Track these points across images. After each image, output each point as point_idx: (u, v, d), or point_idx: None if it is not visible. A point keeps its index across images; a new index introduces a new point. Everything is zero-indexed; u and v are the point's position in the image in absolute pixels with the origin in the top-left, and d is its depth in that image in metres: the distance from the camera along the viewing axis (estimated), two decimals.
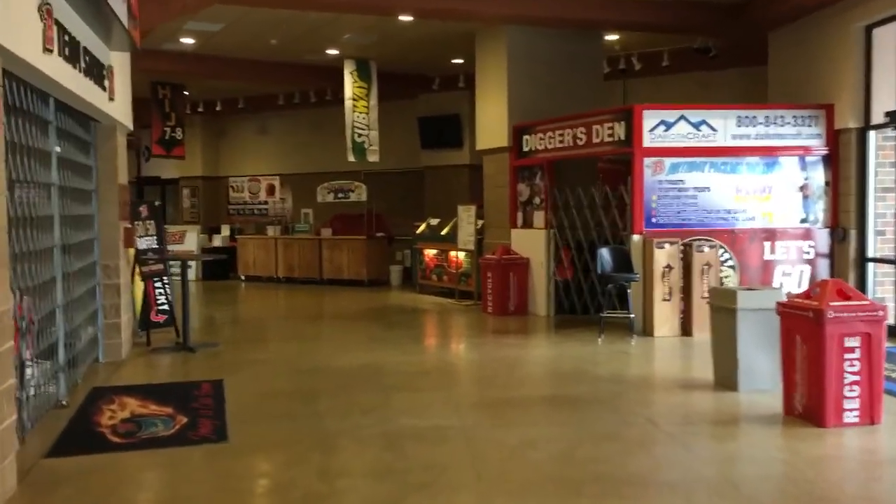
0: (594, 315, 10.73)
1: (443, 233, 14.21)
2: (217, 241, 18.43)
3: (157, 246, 9.71)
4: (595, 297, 10.83)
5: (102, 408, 6.35)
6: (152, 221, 9.72)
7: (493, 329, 10.56)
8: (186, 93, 17.96)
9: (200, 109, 19.22)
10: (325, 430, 5.67)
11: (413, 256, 15.30)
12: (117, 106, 7.89)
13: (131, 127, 8.95)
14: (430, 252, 14.50)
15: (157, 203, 10.42)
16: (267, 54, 14.29)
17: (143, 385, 7.17)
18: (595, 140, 10.44)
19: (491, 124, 12.44)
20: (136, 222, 9.42)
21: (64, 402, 6.45)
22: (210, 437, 5.48)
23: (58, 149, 6.50)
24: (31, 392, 6.18)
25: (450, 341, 9.83)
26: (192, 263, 17.81)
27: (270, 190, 17.65)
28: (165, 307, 10.09)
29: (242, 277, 17.56)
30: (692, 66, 13.85)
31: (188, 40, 13.12)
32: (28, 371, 6.15)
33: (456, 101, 16.19)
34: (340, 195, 16.22)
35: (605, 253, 9.77)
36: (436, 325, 11.38)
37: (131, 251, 8.99)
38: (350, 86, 14.60)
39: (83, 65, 6.39)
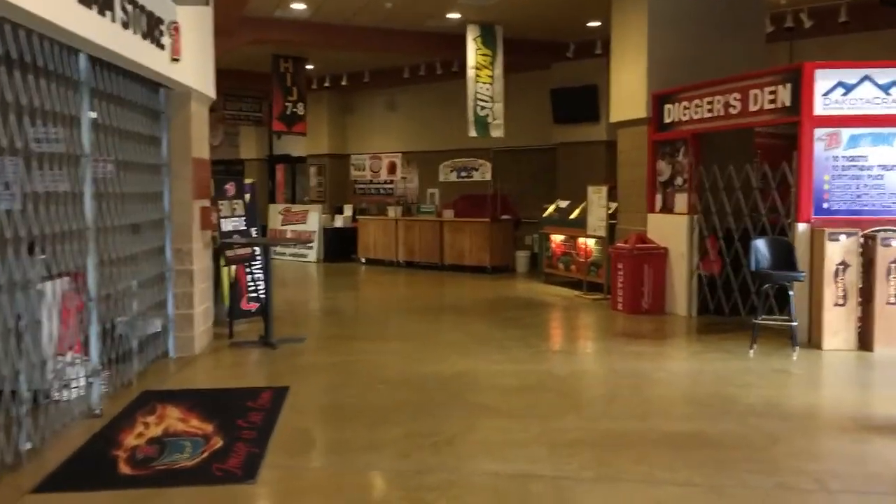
0: (745, 318, 8.97)
1: (572, 216, 12.69)
2: (339, 222, 17.68)
3: (244, 228, 8.80)
4: (747, 297, 9.05)
5: (138, 420, 5.41)
6: (240, 201, 8.82)
7: (620, 331, 9.02)
8: (310, 66, 17.26)
9: (327, 84, 18.50)
10: (376, 474, 4.44)
11: (540, 242, 13.87)
12: (186, 69, 6.94)
13: (212, 94, 8.03)
14: (557, 238, 13.02)
15: (248, 181, 9.52)
16: (384, 20, 13.20)
17: (197, 391, 6.22)
18: (752, 108, 8.64)
19: (627, 92, 10.79)
20: (220, 202, 8.54)
21: (97, 412, 5.55)
22: (235, 474, 4.38)
23: (92, 114, 5.56)
24: (53, 395, 5.32)
25: (566, 346, 8.38)
26: (313, 244, 17.18)
27: (392, 168, 16.65)
28: (258, 295, 9.22)
29: (362, 260, 16.72)
30: (877, 22, 11.61)
31: (299, 6, 12.20)
32: (50, 369, 5.29)
33: (592, 71, 14.54)
34: (463, 174, 14.97)
35: (761, 245, 8.00)
36: (554, 324, 9.95)
37: (210, 233, 8.10)
38: (473, 53, 13.30)
39: (122, 16, 5.41)
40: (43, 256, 5.41)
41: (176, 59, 6.62)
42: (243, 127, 21.60)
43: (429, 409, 5.68)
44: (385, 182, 17.32)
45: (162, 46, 6.27)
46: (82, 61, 5.36)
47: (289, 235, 17.94)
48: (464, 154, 15.34)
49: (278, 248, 18.06)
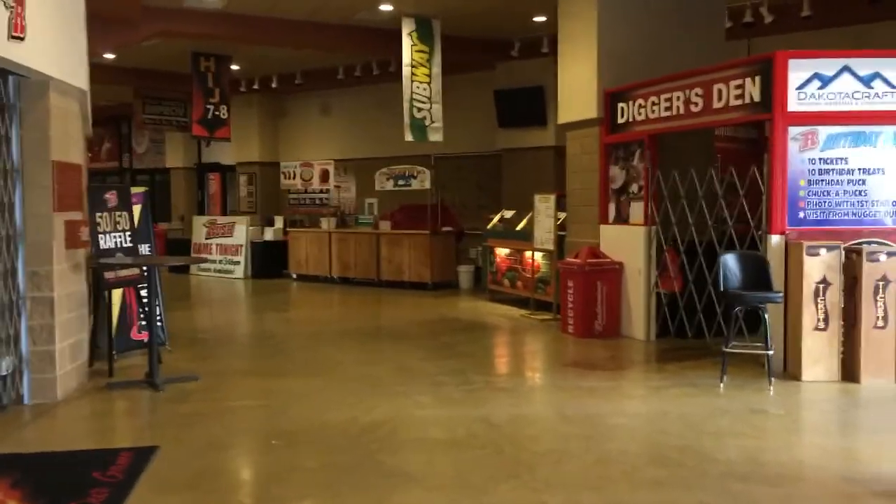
0: (711, 342, 7.93)
1: (518, 228, 11.57)
2: (269, 235, 16.32)
3: (129, 245, 7.45)
4: (712, 318, 8.01)
5: None
6: (124, 213, 7.47)
7: (571, 360, 7.89)
8: (236, 67, 15.91)
9: (256, 87, 17.13)
10: None
11: (483, 256, 12.73)
12: (36, 51, 5.61)
13: (82, 86, 6.71)
14: (501, 252, 11.89)
15: (138, 190, 8.20)
16: (309, 13, 11.95)
17: (36, 455, 4.88)
18: (717, 104, 7.61)
19: (576, 90, 9.71)
20: (98, 214, 7.19)
21: None
22: None
23: None
24: None
25: (508, 381, 7.18)
26: (241, 258, 15.82)
27: (325, 177, 15.37)
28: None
29: (294, 276, 15.39)
30: (842, 17, 10.73)
31: None
32: None
33: (539, 71, 13.47)
34: (401, 182, 13.77)
35: (731, 261, 6.94)
36: (496, 352, 8.79)
37: (80, 252, 6.74)
38: (409, 50, 12.11)
39: None
40: None
41: (18, 38, 5.29)
42: (169, 133, 20.08)
43: (330, 479, 4.44)
44: (320, 192, 16.05)
45: None
46: None
47: (214, 250, 16.52)
48: (404, 161, 14.16)
49: (202, 264, 16.65)
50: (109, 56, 14.62)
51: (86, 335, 6.88)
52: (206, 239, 16.81)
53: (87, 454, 4.89)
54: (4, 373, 5.83)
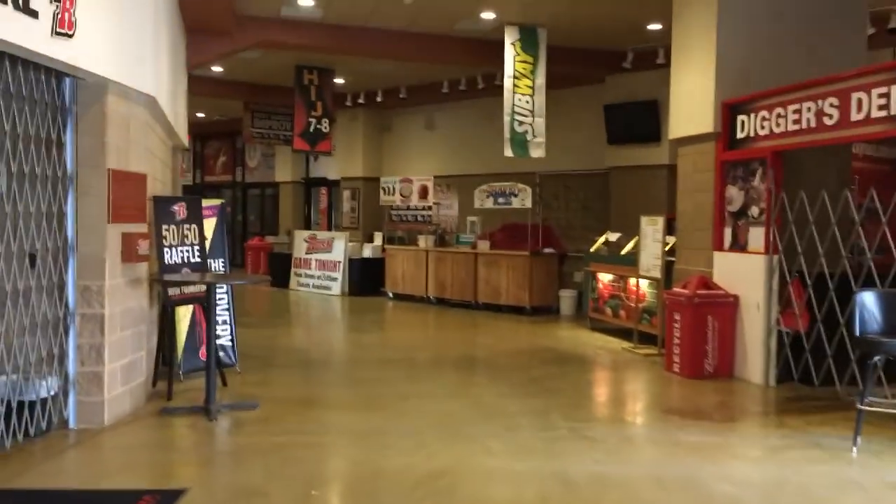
0: (843, 391, 6.80)
1: (623, 252, 10.63)
2: (367, 251, 15.92)
3: (197, 260, 7.04)
4: (845, 363, 6.86)
5: None
6: (194, 226, 7.07)
7: (672, 405, 6.94)
8: (341, 80, 15.66)
9: (361, 101, 16.85)
10: None
11: (585, 281, 11.82)
12: (89, 49, 5.24)
13: (150, 91, 6.32)
14: (604, 277, 10.96)
15: (214, 202, 7.82)
16: (407, 23, 11.46)
17: (55, 493, 4.41)
18: (855, 116, 6.51)
19: (690, 102, 8.75)
20: (165, 227, 6.80)
21: None
22: None
23: None
24: None
25: (596, 428, 6.27)
26: (339, 275, 15.47)
27: (424, 192, 14.82)
28: (220, 342, 7.49)
29: (390, 295, 14.90)
30: None
31: (307, 2, 10.54)
32: None
33: (653, 84, 12.48)
34: (501, 200, 13.04)
35: (868, 300, 5.84)
36: (589, 391, 7.90)
37: (141, 266, 6.36)
38: (511, 60, 11.43)
39: None
40: None
41: (65, 34, 4.91)
42: (279, 147, 20.10)
43: None
44: (422, 209, 15.55)
45: (33, 13, 4.57)
46: None
47: (313, 265, 16.27)
48: (508, 178, 13.44)
49: (302, 279, 16.44)
50: (218, 69, 14.65)
51: (143, 354, 6.48)
52: (306, 254, 16.59)
53: (106, 496, 4.39)
54: (46, 395, 5.44)
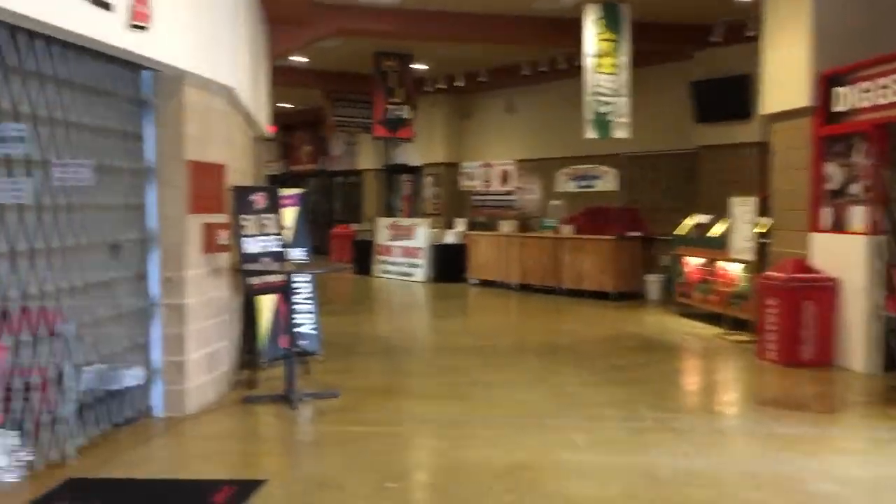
0: None
1: (712, 234, 10.21)
2: (450, 237, 15.84)
3: (277, 249, 7.07)
4: None
5: None
6: (273, 216, 7.10)
7: (767, 395, 6.61)
8: (422, 66, 15.55)
9: (442, 86, 16.73)
10: None
11: (672, 265, 11.44)
12: (164, 42, 5.27)
13: (228, 82, 6.35)
14: (692, 261, 10.56)
15: (294, 191, 7.83)
16: (485, 4, 11.26)
17: (138, 483, 4.46)
18: None
19: (784, 75, 8.28)
20: (244, 217, 6.85)
21: None
22: None
23: None
24: None
25: (685, 420, 6.00)
26: (421, 261, 15.46)
27: (505, 177, 14.61)
28: (302, 331, 7.51)
29: (473, 281, 14.79)
30: None
31: None
32: None
33: (744, 57, 11.87)
34: (583, 183, 12.74)
35: None
36: (677, 380, 7.60)
37: (222, 256, 6.41)
38: (593, 38, 11.07)
39: None
40: None
41: (139, 27, 4.94)
42: (361, 135, 20.18)
43: None
44: (504, 193, 15.35)
45: (105, 5, 4.60)
46: None
47: (396, 252, 16.31)
48: (591, 161, 13.12)
49: (385, 266, 16.51)
50: (300, 59, 14.78)
51: (226, 343, 6.55)
52: (389, 241, 16.63)
53: (187, 485, 4.42)
54: (132, 383, 5.54)
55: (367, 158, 21.25)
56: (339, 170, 23.29)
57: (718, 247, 9.72)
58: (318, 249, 21.59)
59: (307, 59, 14.81)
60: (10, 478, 4.31)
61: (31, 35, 4.43)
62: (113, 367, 5.43)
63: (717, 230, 10.09)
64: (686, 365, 8.14)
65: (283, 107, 20.97)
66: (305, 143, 24.95)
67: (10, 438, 4.40)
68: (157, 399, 5.80)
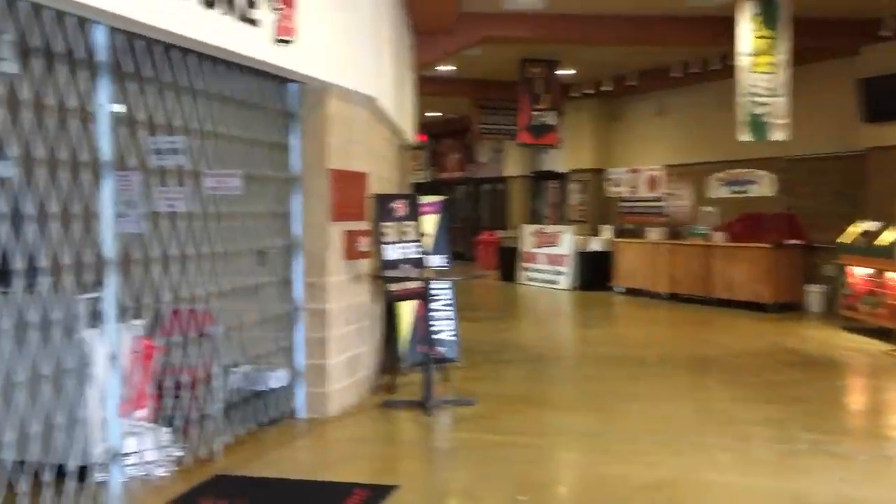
0: None
1: (880, 243, 9.45)
2: (595, 245, 15.54)
3: (417, 256, 7.15)
4: None
5: None
6: (413, 223, 7.19)
7: None
8: (569, 72, 15.37)
9: (589, 90, 16.45)
10: None
11: (836, 275, 10.68)
12: (309, 55, 5.44)
13: (371, 92, 6.48)
14: (858, 271, 9.82)
15: (434, 199, 7.89)
16: (635, 6, 10.96)
17: (278, 482, 4.60)
18: None
19: None
20: (385, 224, 6.97)
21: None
22: None
23: (117, 107, 4.21)
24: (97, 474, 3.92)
25: (842, 442, 5.55)
26: (566, 269, 15.26)
27: (652, 183, 14.17)
28: (440, 337, 7.57)
29: (619, 290, 14.43)
30: None
31: None
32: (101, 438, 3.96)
33: None
34: (736, 188, 12.14)
35: None
36: (834, 398, 7.05)
37: (363, 263, 6.54)
38: (749, 36, 10.54)
39: None
40: (95, 294, 4.21)
41: (284, 41, 5.13)
42: (508, 142, 20.21)
43: None
44: (652, 200, 14.91)
45: (252, 21, 4.80)
46: (100, 35, 4.02)
47: (541, 259, 16.17)
48: (746, 165, 12.48)
49: (529, 273, 16.41)
50: (446, 68, 14.97)
51: (367, 348, 6.68)
52: (535, 248, 16.52)
53: (321, 487, 4.51)
54: (277, 385, 5.75)
55: (513, 165, 21.24)
56: (486, 177, 23.41)
57: (888, 256, 8.99)
58: (464, 256, 21.86)
59: (454, 68, 14.97)
60: (161, 472, 4.56)
61: (185, 52, 4.68)
62: (259, 368, 5.67)
63: (886, 238, 9.33)
64: (848, 383, 7.56)
65: (432, 115, 21.32)
66: (453, 151, 25.27)
67: (162, 434, 4.66)
68: (300, 401, 5.99)
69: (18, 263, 3.74)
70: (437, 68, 14.69)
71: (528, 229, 17.10)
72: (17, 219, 3.91)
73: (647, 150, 16.84)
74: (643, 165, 14.87)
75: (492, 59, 14.09)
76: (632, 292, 14.12)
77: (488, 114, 17.94)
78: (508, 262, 17.23)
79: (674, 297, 13.26)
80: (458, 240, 24.24)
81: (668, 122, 16.50)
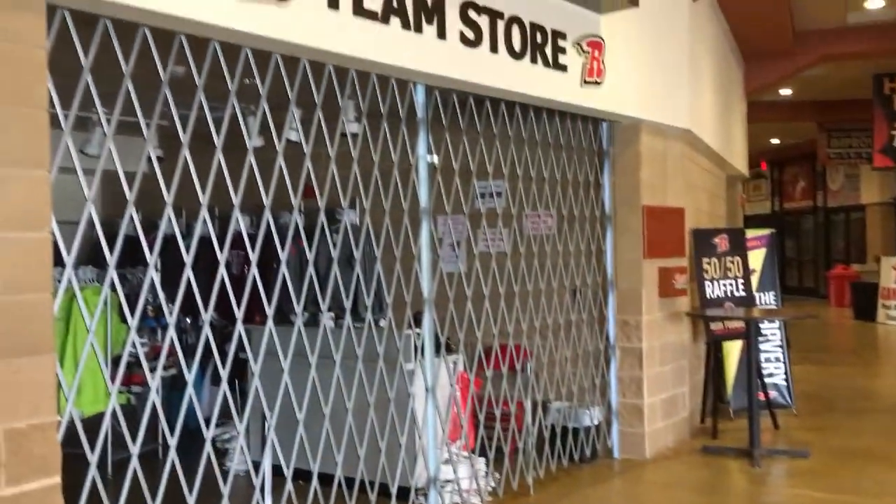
0: None
1: None
2: None
3: (741, 294, 6.73)
4: None
5: None
6: (736, 258, 6.79)
7: None
8: None
9: None
10: None
11: None
12: (615, 94, 5.45)
13: (684, 125, 6.30)
14: None
15: (760, 233, 7.38)
16: None
17: None
18: None
19: None
20: (706, 260, 6.67)
21: None
22: None
23: (432, 158, 4.54)
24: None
25: None
26: None
27: None
28: (772, 381, 7.05)
29: None
30: None
31: (877, 3, 9.42)
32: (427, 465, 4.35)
33: None
34: None
35: None
36: None
37: (680, 300, 6.32)
38: None
39: (459, 33, 4.30)
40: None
41: (593, 83, 5.19)
42: (863, 167, 18.29)
43: None
44: None
45: (562, 67, 4.94)
46: (419, 94, 4.41)
47: None
48: None
49: (891, 311, 14.56)
50: (785, 91, 14.04)
51: (685, 390, 6.42)
52: None
53: None
54: (590, 423, 5.75)
55: (871, 191, 19.10)
56: (838, 205, 21.32)
57: None
58: (813, 292, 20.05)
59: (790, 91, 13.96)
60: (476, 501, 4.77)
61: (509, 104, 4.96)
62: (573, 405, 5.72)
63: None
64: None
65: (770, 142, 20.02)
66: (798, 179, 23.45)
67: (478, 464, 4.89)
68: (614, 441, 5.93)
69: (366, 301, 4.21)
70: (779, 92, 13.80)
71: (891, 262, 15.21)
72: (354, 261, 4.40)
73: None
74: None
75: (834, 77, 12.92)
76: None
77: (837, 136, 16.45)
78: (865, 299, 15.45)
79: None
80: (807, 275, 22.34)
81: None
